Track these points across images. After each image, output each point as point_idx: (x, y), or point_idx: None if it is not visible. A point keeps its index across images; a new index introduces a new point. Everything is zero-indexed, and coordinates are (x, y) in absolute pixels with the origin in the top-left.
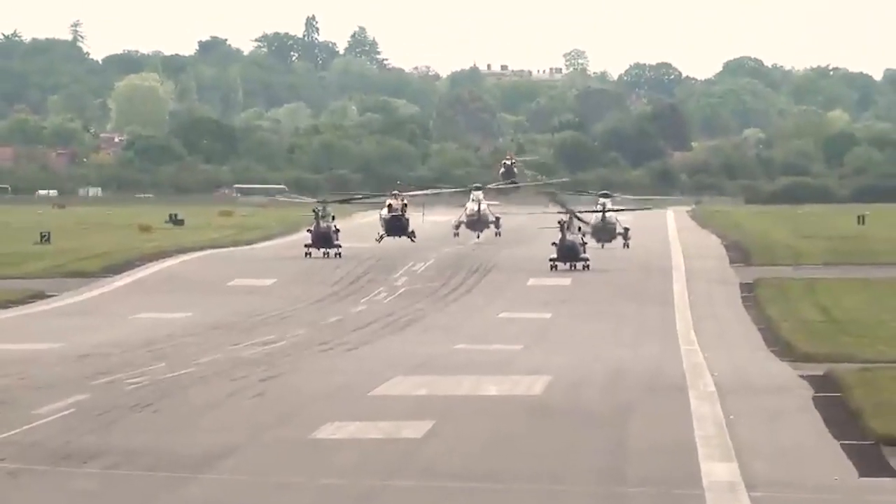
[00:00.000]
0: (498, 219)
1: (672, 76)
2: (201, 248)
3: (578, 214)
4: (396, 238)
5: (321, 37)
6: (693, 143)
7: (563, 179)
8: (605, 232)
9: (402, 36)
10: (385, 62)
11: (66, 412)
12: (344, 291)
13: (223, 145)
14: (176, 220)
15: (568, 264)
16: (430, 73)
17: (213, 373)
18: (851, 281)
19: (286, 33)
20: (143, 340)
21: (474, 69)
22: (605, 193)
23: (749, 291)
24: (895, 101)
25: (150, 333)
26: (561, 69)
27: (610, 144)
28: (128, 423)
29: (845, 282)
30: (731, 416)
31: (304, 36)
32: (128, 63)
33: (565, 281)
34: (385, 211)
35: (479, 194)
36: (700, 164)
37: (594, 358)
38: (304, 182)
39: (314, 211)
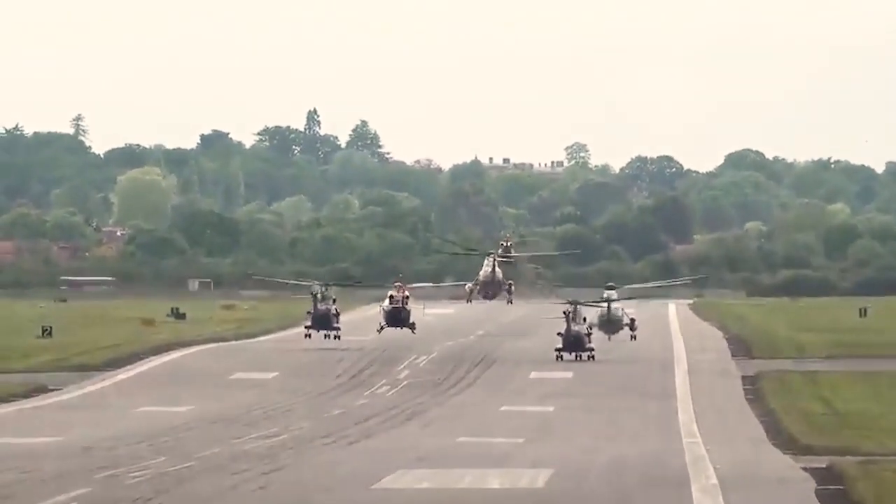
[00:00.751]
0: (511, 284)
1: (673, 169)
2: (203, 342)
3: (584, 303)
4: (398, 329)
5: (323, 130)
6: (695, 236)
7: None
8: (611, 324)
9: (403, 129)
10: (387, 155)
11: None
12: (346, 385)
13: (225, 239)
14: (178, 314)
15: (574, 354)
16: (431, 166)
17: (214, 466)
18: (854, 374)
19: (288, 126)
20: (145, 434)
21: (476, 162)
22: (611, 286)
23: (751, 384)
24: None
25: (152, 427)
26: (562, 162)
27: (611, 237)
28: None
29: (847, 375)
30: None
31: (305, 129)
32: (130, 156)
33: (567, 374)
34: (386, 302)
35: (493, 259)
36: (702, 256)
37: (596, 451)
38: (306, 275)
39: (313, 294)
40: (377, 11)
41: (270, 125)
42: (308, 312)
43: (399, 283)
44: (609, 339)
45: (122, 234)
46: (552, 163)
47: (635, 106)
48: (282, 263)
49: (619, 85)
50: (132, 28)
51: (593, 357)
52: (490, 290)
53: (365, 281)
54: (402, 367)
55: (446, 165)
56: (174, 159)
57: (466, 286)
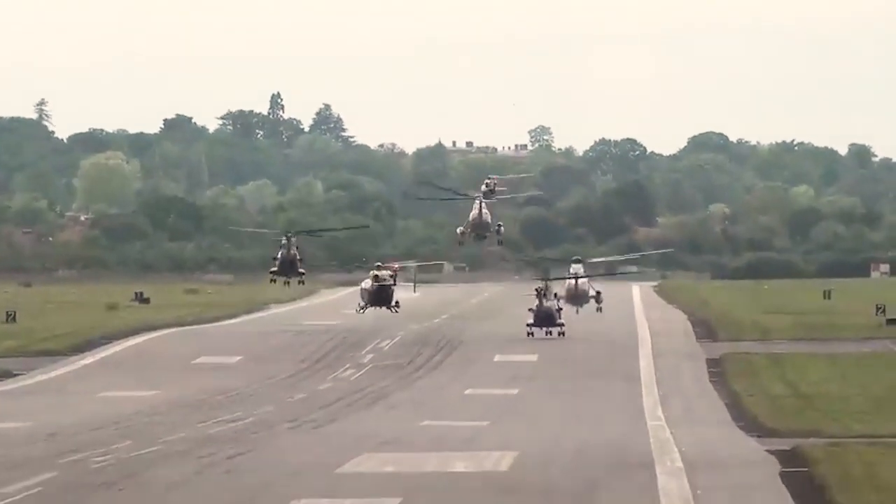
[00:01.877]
0: (500, 226)
1: (637, 152)
2: (167, 326)
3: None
4: (378, 308)
5: (286, 114)
6: (658, 219)
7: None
8: (578, 297)
9: (367, 113)
10: (350, 139)
11: (33, 490)
12: (311, 369)
13: (189, 223)
14: (142, 299)
15: (544, 330)
16: (395, 150)
17: (179, 451)
18: (818, 356)
19: (251, 111)
20: (110, 419)
21: (440, 146)
22: (577, 259)
23: (716, 367)
24: (861, 176)
25: (117, 412)
26: (526, 145)
27: (575, 220)
28: (93, 501)
29: (812, 357)
30: (699, 492)
31: (269, 113)
32: (93, 142)
33: (532, 357)
34: (369, 282)
35: (480, 202)
36: (666, 239)
37: (561, 434)
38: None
39: (280, 242)
40: None
41: (233, 109)
42: (274, 258)
43: (380, 264)
44: (577, 311)
45: (85, 219)
46: (516, 146)
47: (598, 89)
48: (246, 248)
49: (582, 68)
50: (95, 13)
51: (563, 333)
52: (480, 230)
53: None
54: (366, 350)
55: (410, 149)
56: (137, 144)
57: (458, 229)
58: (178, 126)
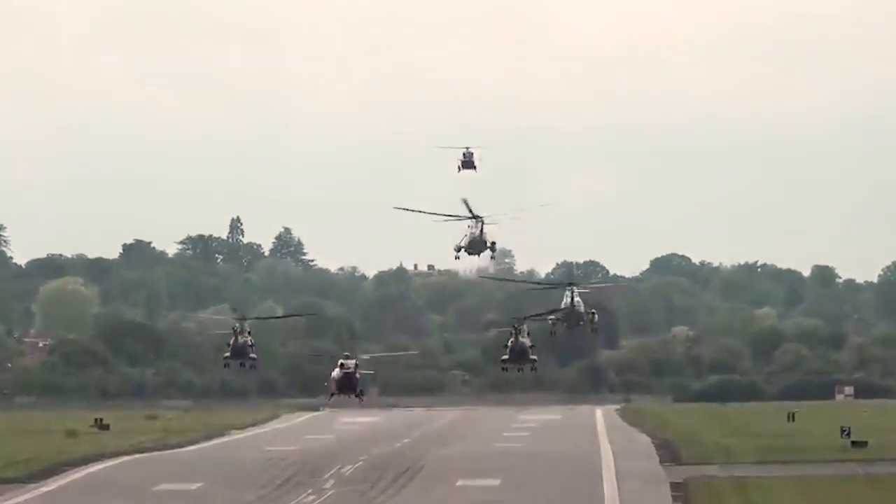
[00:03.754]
0: (493, 243)
1: (600, 274)
2: (127, 453)
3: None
4: (347, 396)
5: (246, 238)
6: (622, 341)
7: None
8: (573, 316)
9: (327, 236)
10: (311, 263)
11: None
12: (272, 495)
13: (148, 348)
14: (101, 425)
15: (517, 367)
16: (356, 274)
17: None
18: (783, 479)
19: (210, 235)
20: None
21: (401, 269)
22: (571, 283)
23: (679, 491)
24: (824, 298)
25: None
26: (488, 268)
27: (538, 343)
28: None
29: (777, 480)
30: None
31: (228, 237)
32: (52, 267)
33: (495, 481)
34: (337, 371)
35: (481, 223)
36: (629, 361)
37: None
38: (231, 385)
39: (233, 328)
40: (296, 120)
41: (193, 233)
42: (227, 344)
43: (348, 354)
44: (572, 330)
45: (44, 345)
46: (477, 269)
47: (560, 211)
48: (206, 373)
49: (543, 190)
50: (53, 139)
51: (535, 368)
52: (475, 249)
53: (289, 392)
54: (327, 475)
55: (371, 273)
56: (96, 269)
57: (455, 246)
58: (138, 251)
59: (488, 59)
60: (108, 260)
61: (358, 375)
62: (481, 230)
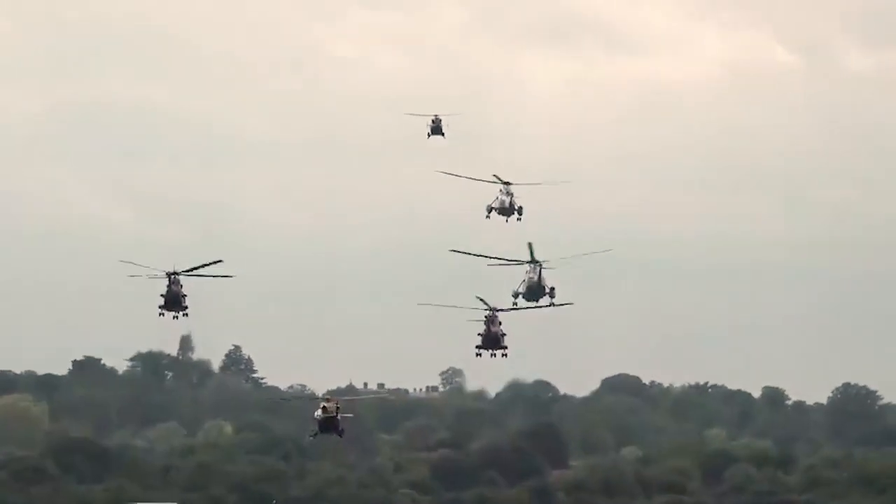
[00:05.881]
0: (553, 288)
1: (550, 394)
2: None
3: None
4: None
5: (196, 355)
6: (571, 461)
7: None
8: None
9: (276, 354)
10: (261, 381)
11: None
12: None
13: (97, 466)
14: None
15: (490, 352)
16: (305, 391)
17: None
18: None
19: (160, 352)
20: None
21: (350, 387)
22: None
23: None
24: (774, 419)
25: None
26: (437, 388)
27: (487, 462)
28: None
29: None
30: None
31: (178, 355)
32: (1, 383)
33: None
34: (320, 412)
35: (533, 266)
36: (578, 481)
37: None
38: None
39: (168, 275)
40: (245, 236)
41: (143, 350)
42: (161, 295)
43: (329, 397)
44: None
45: None
46: (427, 388)
47: (508, 330)
48: (155, 489)
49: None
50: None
51: (506, 355)
52: (534, 296)
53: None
54: None
55: (320, 390)
56: (46, 386)
57: (512, 292)
58: (87, 367)
59: None
60: (57, 376)
61: (339, 417)
62: (539, 274)
